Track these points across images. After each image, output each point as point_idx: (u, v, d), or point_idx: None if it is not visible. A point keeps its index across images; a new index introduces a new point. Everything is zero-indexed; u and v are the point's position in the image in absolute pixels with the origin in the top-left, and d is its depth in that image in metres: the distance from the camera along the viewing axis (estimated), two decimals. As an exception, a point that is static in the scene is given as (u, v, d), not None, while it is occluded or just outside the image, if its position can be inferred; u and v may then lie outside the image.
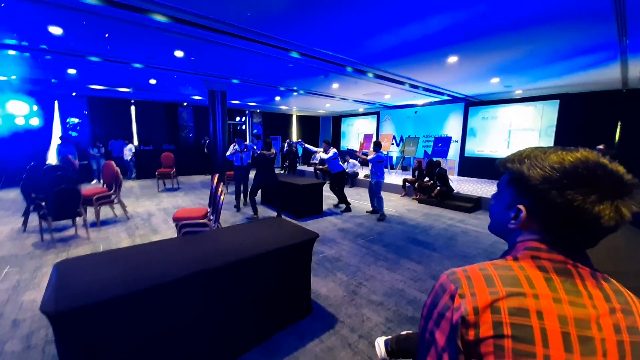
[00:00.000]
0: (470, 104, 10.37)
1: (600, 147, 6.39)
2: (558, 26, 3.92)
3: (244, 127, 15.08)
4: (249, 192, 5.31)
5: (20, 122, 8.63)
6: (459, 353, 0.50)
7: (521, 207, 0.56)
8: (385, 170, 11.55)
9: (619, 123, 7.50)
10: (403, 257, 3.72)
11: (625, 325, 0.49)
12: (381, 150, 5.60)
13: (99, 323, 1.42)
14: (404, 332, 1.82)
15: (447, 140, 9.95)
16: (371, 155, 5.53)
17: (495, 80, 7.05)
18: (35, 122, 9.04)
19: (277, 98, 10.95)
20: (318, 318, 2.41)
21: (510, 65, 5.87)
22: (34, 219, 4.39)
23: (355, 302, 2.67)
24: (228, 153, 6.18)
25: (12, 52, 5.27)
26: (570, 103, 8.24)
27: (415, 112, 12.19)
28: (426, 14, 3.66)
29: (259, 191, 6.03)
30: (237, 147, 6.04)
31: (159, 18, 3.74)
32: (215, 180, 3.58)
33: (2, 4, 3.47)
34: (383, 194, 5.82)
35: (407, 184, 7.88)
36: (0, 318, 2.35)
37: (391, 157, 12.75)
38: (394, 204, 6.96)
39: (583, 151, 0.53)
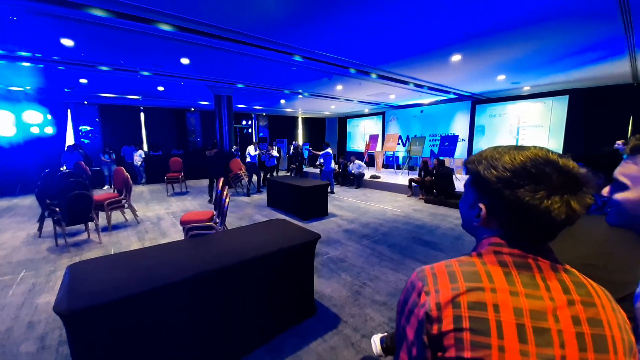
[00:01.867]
0: (477, 101, 10.26)
1: (619, 142, 6.18)
2: (560, 24, 3.89)
3: (250, 130, 15.24)
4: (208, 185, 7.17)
5: (35, 131, 8.95)
6: (425, 347, 0.52)
7: (481, 205, 0.58)
8: (392, 170, 11.76)
9: (631, 117, 7.30)
10: (408, 258, 3.72)
11: (585, 317, 0.49)
12: (329, 147, 8.39)
13: (109, 322, 1.48)
14: None
15: (454, 139, 9.86)
16: (321, 152, 8.26)
17: (501, 77, 6.98)
18: (49, 130, 9.36)
19: (282, 101, 11.05)
20: (321, 318, 2.44)
21: (515, 63, 5.80)
22: (48, 225, 4.54)
23: (359, 302, 2.69)
24: (253, 154, 8.31)
25: (26, 64, 5.49)
26: (580, 98, 8.07)
27: (421, 112, 12.11)
28: (425, 15, 3.67)
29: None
30: (265, 150, 8.71)
31: (164, 27, 3.85)
32: (221, 184, 3.65)
33: (15, 18, 3.63)
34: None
35: (413, 184, 7.84)
36: (16, 320, 2.45)
37: (397, 157, 12.70)
38: (400, 204, 6.93)
39: (533, 149, 0.55)
